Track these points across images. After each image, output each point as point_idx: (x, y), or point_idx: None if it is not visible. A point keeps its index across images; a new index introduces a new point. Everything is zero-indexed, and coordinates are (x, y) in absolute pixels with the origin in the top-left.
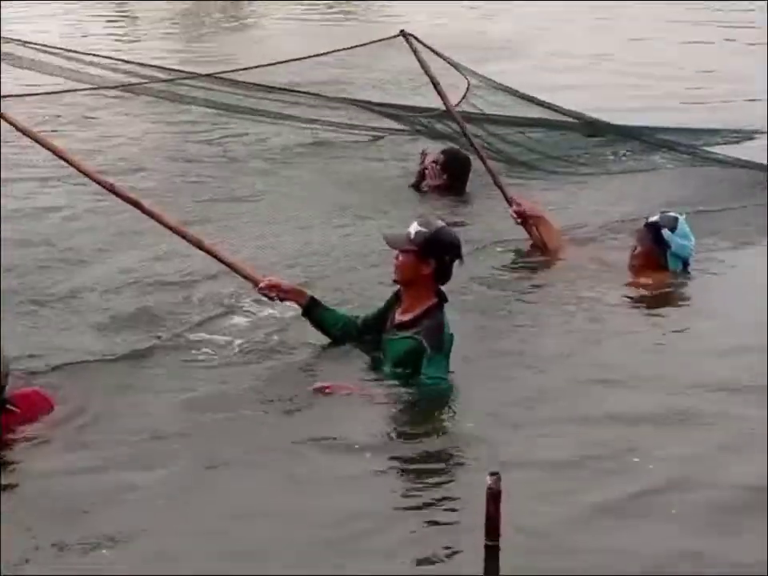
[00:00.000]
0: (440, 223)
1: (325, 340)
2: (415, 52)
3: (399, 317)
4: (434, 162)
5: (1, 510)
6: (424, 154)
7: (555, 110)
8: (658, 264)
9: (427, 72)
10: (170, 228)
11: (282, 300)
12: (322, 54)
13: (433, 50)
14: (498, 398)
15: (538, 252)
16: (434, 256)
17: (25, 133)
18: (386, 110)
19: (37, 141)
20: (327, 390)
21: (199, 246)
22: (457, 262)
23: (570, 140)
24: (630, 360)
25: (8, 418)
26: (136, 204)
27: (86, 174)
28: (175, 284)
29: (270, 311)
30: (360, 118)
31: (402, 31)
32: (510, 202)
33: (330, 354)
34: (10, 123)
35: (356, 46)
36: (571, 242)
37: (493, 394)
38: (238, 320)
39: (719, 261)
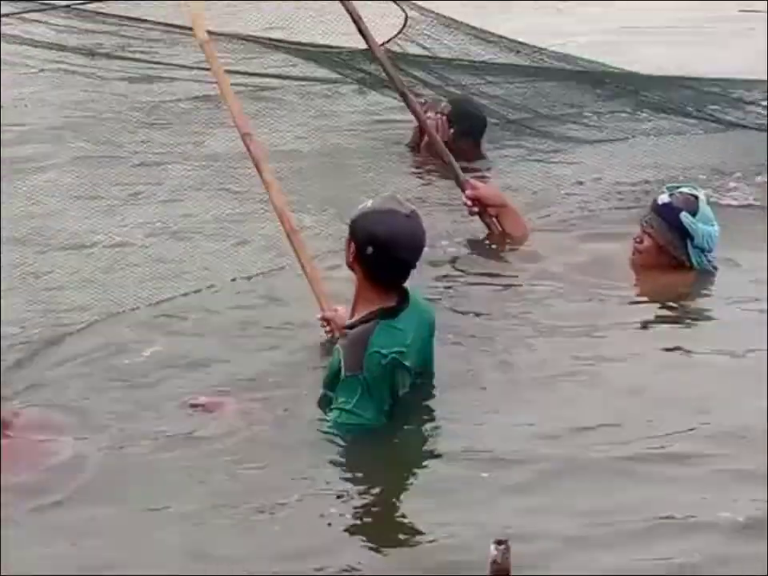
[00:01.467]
0: (392, 206)
1: None
2: None
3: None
4: (439, 112)
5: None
6: (425, 104)
7: (539, 55)
8: (673, 261)
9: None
10: (275, 206)
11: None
12: None
13: None
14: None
15: (500, 245)
16: (354, 239)
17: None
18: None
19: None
20: (201, 409)
21: (289, 235)
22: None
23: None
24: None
25: None
26: (257, 163)
27: (231, 111)
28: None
29: None
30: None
31: None
32: (461, 185)
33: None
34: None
35: None
36: (546, 234)
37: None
38: None
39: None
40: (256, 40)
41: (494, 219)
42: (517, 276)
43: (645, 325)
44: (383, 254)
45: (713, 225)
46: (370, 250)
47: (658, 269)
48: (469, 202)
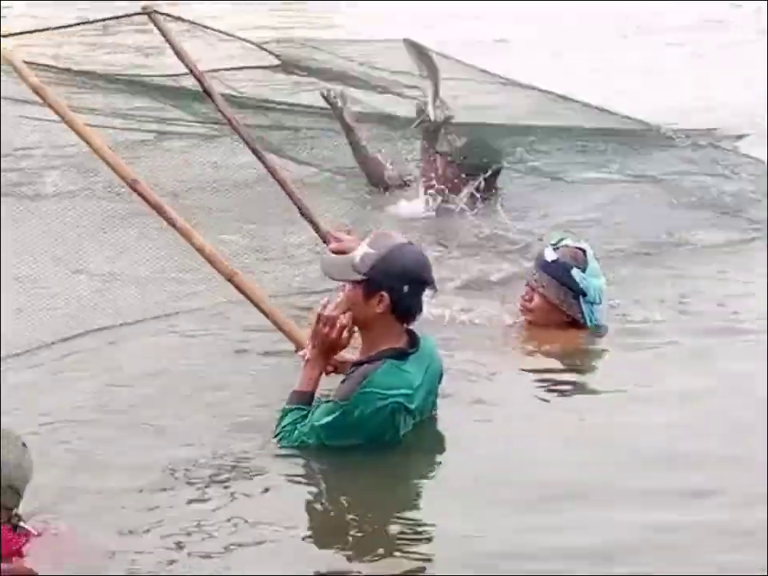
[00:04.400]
0: (397, 241)
1: None
2: (164, 33)
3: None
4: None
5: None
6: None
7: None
8: (566, 319)
9: (179, 54)
10: (197, 248)
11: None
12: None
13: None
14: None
15: None
16: (386, 287)
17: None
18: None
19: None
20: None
21: (231, 279)
22: (428, 292)
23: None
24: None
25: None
26: (159, 209)
27: (106, 161)
28: None
29: None
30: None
31: (144, 8)
32: (323, 237)
33: None
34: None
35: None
36: None
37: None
38: None
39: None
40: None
41: None
42: None
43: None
44: (416, 287)
45: (601, 277)
46: (406, 288)
47: (551, 327)
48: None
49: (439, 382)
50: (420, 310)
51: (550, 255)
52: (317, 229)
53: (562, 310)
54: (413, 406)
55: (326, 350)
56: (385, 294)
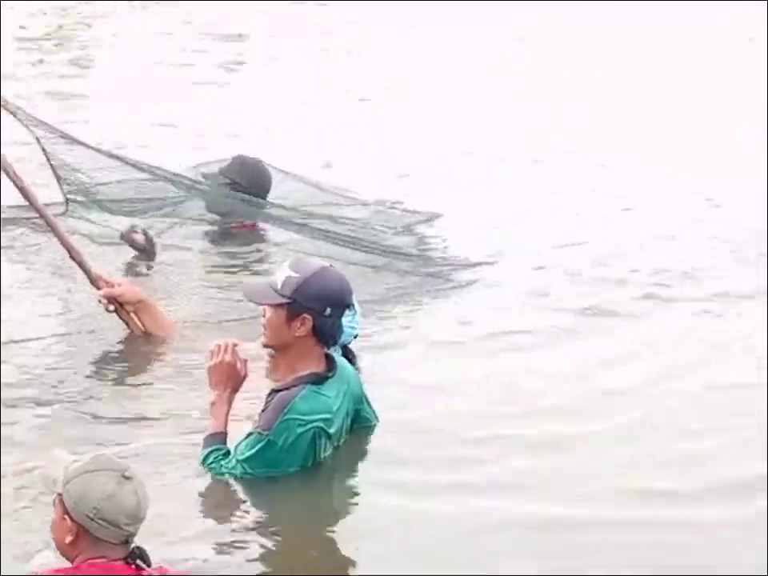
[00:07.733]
0: (318, 264)
1: None
2: None
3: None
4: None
5: (1, 511)
6: None
7: None
8: None
9: None
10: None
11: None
12: None
13: None
14: None
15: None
16: (309, 311)
17: None
18: None
19: None
20: None
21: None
22: (347, 314)
23: None
24: None
25: None
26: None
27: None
28: None
29: None
30: None
31: None
32: (94, 282)
33: None
34: None
35: None
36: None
37: None
38: None
39: None
40: None
41: (132, 316)
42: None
43: None
44: (338, 310)
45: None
46: (328, 311)
47: None
48: (104, 300)
49: (362, 402)
50: (341, 333)
51: None
52: (87, 273)
53: None
54: (332, 430)
55: (225, 380)
56: (308, 316)
